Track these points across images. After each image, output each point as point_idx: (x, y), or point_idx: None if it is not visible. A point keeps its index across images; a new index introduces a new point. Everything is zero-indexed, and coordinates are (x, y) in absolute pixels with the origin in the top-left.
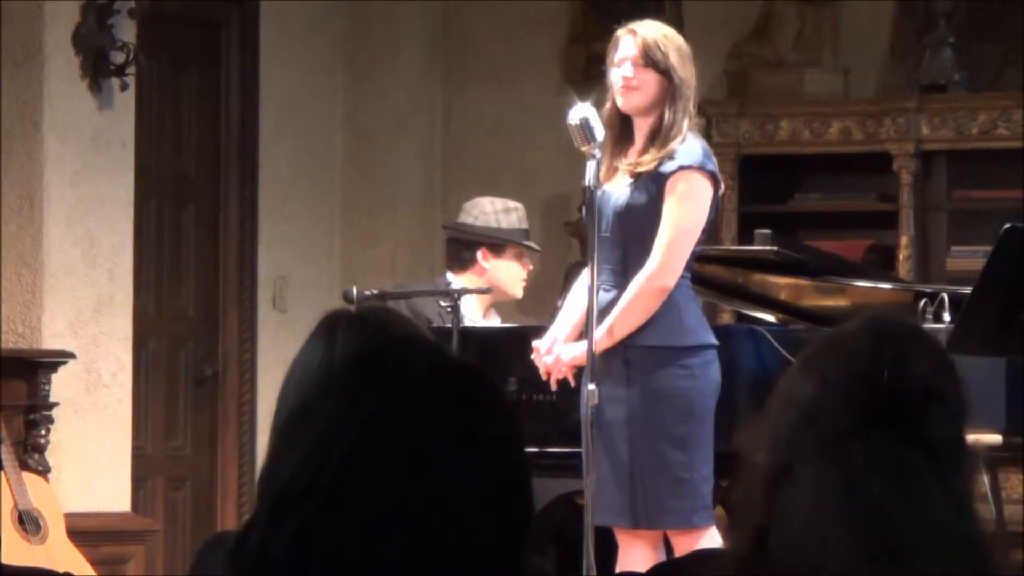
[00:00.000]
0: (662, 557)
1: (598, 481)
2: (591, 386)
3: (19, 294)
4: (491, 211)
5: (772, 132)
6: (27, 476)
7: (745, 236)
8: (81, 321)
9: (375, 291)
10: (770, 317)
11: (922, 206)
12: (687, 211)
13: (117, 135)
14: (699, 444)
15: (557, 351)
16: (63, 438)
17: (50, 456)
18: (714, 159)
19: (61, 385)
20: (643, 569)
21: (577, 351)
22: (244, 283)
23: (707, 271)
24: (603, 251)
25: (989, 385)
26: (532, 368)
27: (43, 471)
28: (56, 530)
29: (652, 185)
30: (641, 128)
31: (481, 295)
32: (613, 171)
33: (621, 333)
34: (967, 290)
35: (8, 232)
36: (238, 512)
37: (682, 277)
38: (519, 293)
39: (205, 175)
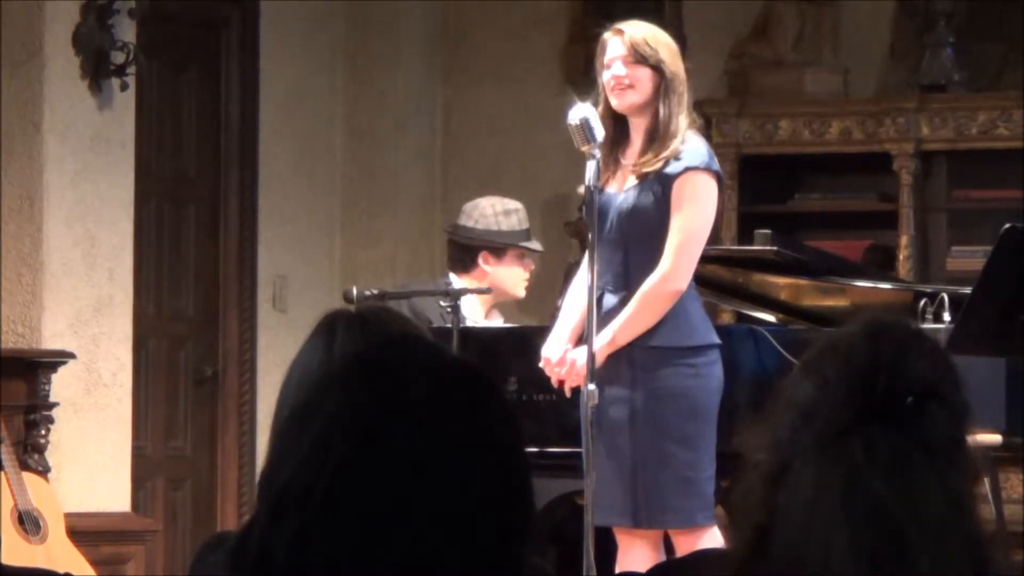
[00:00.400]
0: (662, 557)
1: (599, 481)
2: (591, 386)
3: (19, 294)
4: (491, 214)
5: (772, 132)
6: (27, 476)
7: (745, 236)
8: (81, 321)
9: (375, 291)
10: (770, 317)
11: (922, 206)
12: (696, 213)
13: (117, 135)
14: (704, 443)
15: (571, 359)
16: (63, 438)
17: (50, 456)
18: (716, 158)
19: (61, 385)
20: (643, 569)
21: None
22: (244, 283)
23: (707, 271)
24: (604, 253)
25: (989, 385)
26: (532, 368)
27: (43, 471)
28: (56, 530)
29: (657, 186)
30: (638, 128)
31: (482, 295)
32: (611, 172)
33: (631, 336)
34: (967, 290)
35: (8, 232)
36: (238, 512)
37: None
38: (521, 293)
39: (205, 175)
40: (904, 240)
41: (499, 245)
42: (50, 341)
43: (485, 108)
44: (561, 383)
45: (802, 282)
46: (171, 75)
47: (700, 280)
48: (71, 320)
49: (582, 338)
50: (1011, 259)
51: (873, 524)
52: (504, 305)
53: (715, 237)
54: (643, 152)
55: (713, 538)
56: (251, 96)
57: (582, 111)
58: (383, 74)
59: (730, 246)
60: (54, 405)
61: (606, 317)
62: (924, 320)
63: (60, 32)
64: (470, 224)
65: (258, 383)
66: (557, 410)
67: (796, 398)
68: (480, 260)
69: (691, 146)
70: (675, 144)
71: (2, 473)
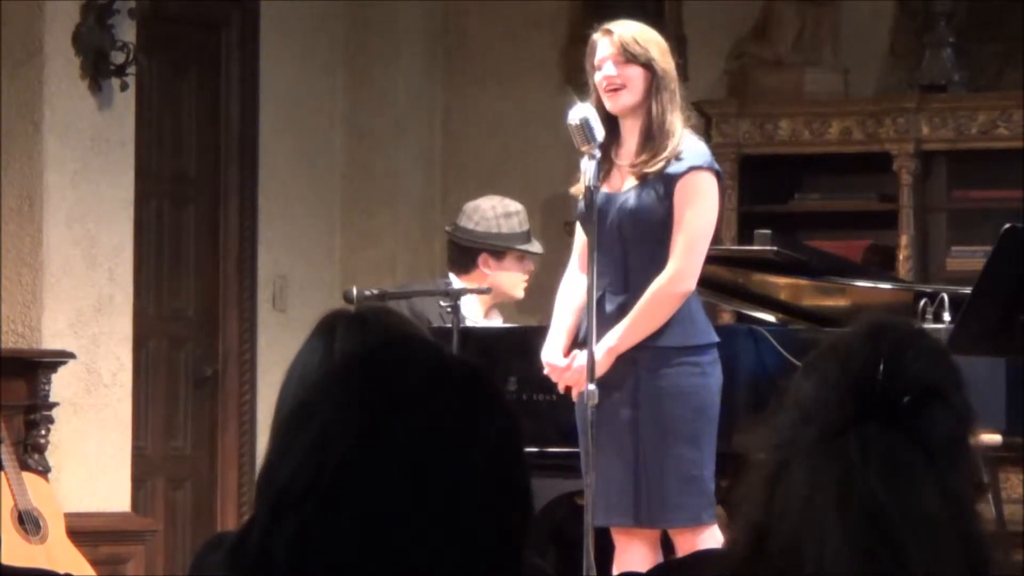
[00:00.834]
0: (660, 556)
1: (600, 482)
2: (591, 386)
3: (19, 294)
4: (492, 216)
5: (772, 132)
6: (27, 476)
7: (745, 236)
8: (81, 321)
9: (375, 291)
10: (770, 317)
11: (922, 206)
12: (702, 213)
13: (117, 135)
14: (707, 441)
15: (578, 364)
16: (63, 438)
17: (50, 456)
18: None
19: (61, 385)
20: (642, 568)
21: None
22: (244, 283)
23: (707, 271)
24: (604, 253)
25: (989, 385)
26: (532, 368)
27: (43, 471)
28: (56, 530)
29: (660, 186)
30: (631, 128)
31: (482, 295)
32: (605, 172)
33: (639, 337)
34: (967, 290)
35: (8, 232)
36: (238, 512)
37: None
38: (520, 295)
39: (205, 175)
40: (904, 240)
41: (499, 248)
42: (50, 341)
43: (485, 108)
44: (568, 388)
45: (802, 282)
46: (171, 75)
47: (700, 280)
48: (71, 320)
49: (577, 339)
50: (1011, 259)
51: (867, 523)
52: (504, 305)
53: (715, 237)
54: (640, 152)
55: (713, 536)
56: (251, 96)
57: (582, 111)
58: (383, 74)
59: (730, 246)
60: (54, 405)
61: (608, 319)
62: (924, 320)
63: (60, 32)
64: (470, 226)
65: (258, 383)
66: (557, 410)
67: (796, 397)
68: (480, 262)
69: (692, 146)
70: (673, 143)
71: (2, 473)
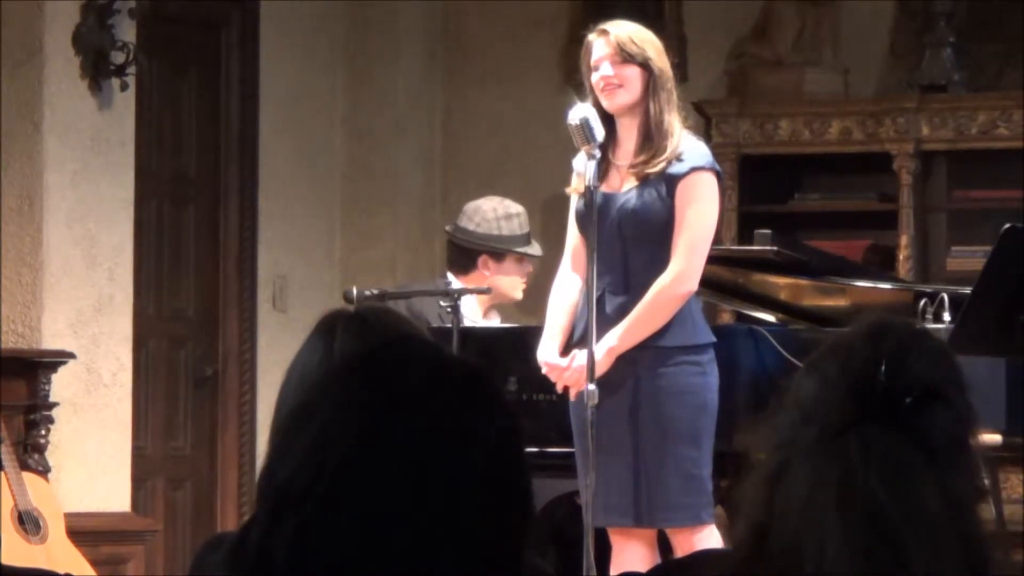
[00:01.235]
0: (658, 556)
1: (600, 482)
2: (591, 386)
3: (19, 294)
4: (492, 217)
5: (772, 132)
6: (27, 476)
7: (745, 236)
8: (81, 321)
9: (375, 291)
10: (770, 317)
11: (922, 206)
12: (704, 213)
13: (117, 135)
14: (707, 440)
15: (578, 364)
16: (63, 438)
17: (50, 456)
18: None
19: (61, 385)
20: (642, 568)
21: (599, 360)
22: (244, 283)
23: (707, 271)
24: (604, 253)
25: (989, 385)
26: (532, 368)
27: (43, 471)
28: (56, 530)
29: (662, 187)
30: (629, 128)
31: (481, 295)
32: (604, 172)
33: (640, 337)
34: (967, 290)
35: (8, 232)
36: (238, 512)
37: None
38: (519, 296)
39: (205, 175)
40: (904, 240)
41: (499, 250)
42: (50, 341)
43: (485, 108)
44: (566, 388)
45: (802, 282)
46: (171, 75)
47: (700, 280)
48: (71, 320)
49: (572, 338)
50: (1011, 259)
51: (867, 523)
52: (503, 305)
53: (715, 237)
54: (639, 152)
55: (711, 536)
56: (251, 96)
57: (582, 111)
58: (383, 74)
59: (730, 246)
60: (54, 405)
61: (608, 319)
62: (924, 320)
63: (60, 32)
64: (471, 227)
65: (258, 383)
66: (557, 410)
67: (797, 397)
68: (479, 264)
69: (693, 146)
70: (672, 143)
71: (2, 473)
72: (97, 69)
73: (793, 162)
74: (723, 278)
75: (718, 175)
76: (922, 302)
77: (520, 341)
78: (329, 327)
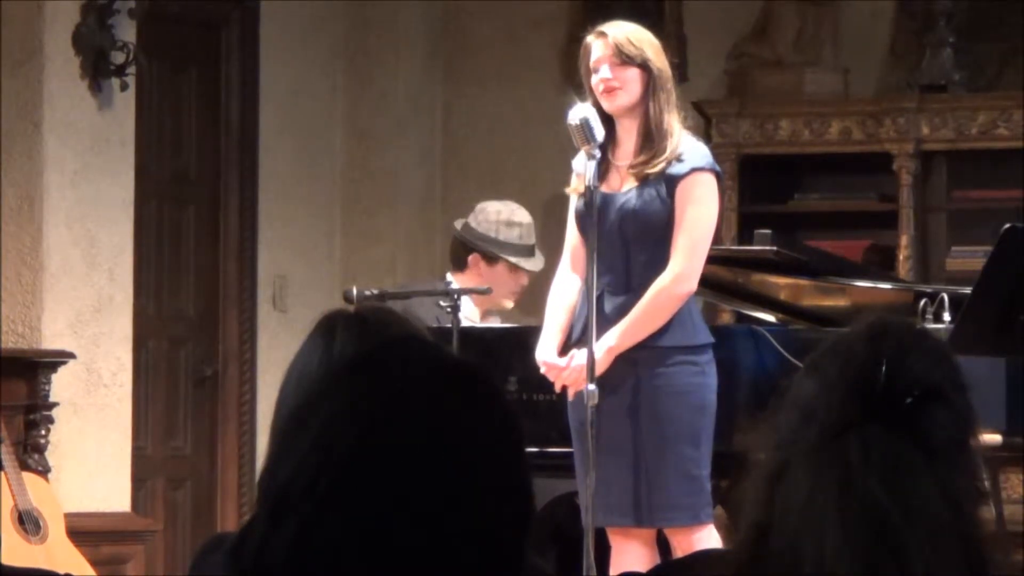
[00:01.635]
0: (657, 556)
1: (600, 482)
2: (591, 386)
3: (19, 294)
4: (494, 220)
5: (772, 132)
6: (27, 476)
7: (745, 236)
8: (81, 321)
9: (375, 291)
10: (770, 317)
11: (922, 206)
12: (704, 214)
13: (117, 135)
14: (706, 440)
15: (577, 364)
16: (63, 438)
17: (50, 456)
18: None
19: (61, 385)
20: (642, 568)
21: (598, 360)
22: (244, 283)
23: (707, 271)
24: (604, 253)
25: (989, 385)
26: (532, 368)
27: (43, 471)
28: (56, 530)
29: (662, 187)
30: (627, 128)
31: (478, 298)
32: (604, 173)
33: (639, 337)
34: (967, 290)
35: (8, 232)
36: (238, 512)
37: None
38: (509, 305)
39: (205, 175)
40: (904, 240)
41: (490, 253)
42: (50, 341)
43: (485, 108)
44: (564, 387)
45: (802, 282)
46: (171, 75)
47: (700, 280)
48: (71, 320)
49: (571, 338)
50: (1011, 259)
51: (867, 524)
52: (500, 311)
53: (715, 237)
54: (639, 152)
55: (710, 536)
56: (251, 96)
57: (582, 111)
58: (383, 74)
59: (730, 246)
60: (54, 405)
61: (607, 318)
62: (924, 320)
63: (60, 32)
64: (472, 224)
65: (258, 383)
66: (557, 410)
67: (798, 397)
68: (471, 262)
69: (693, 147)
70: (672, 143)
71: (2, 473)
72: (97, 69)
73: (793, 162)
74: (723, 278)
75: (718, 176)
76: (922, 302)
77: (520, 341)
78: (329, 327)
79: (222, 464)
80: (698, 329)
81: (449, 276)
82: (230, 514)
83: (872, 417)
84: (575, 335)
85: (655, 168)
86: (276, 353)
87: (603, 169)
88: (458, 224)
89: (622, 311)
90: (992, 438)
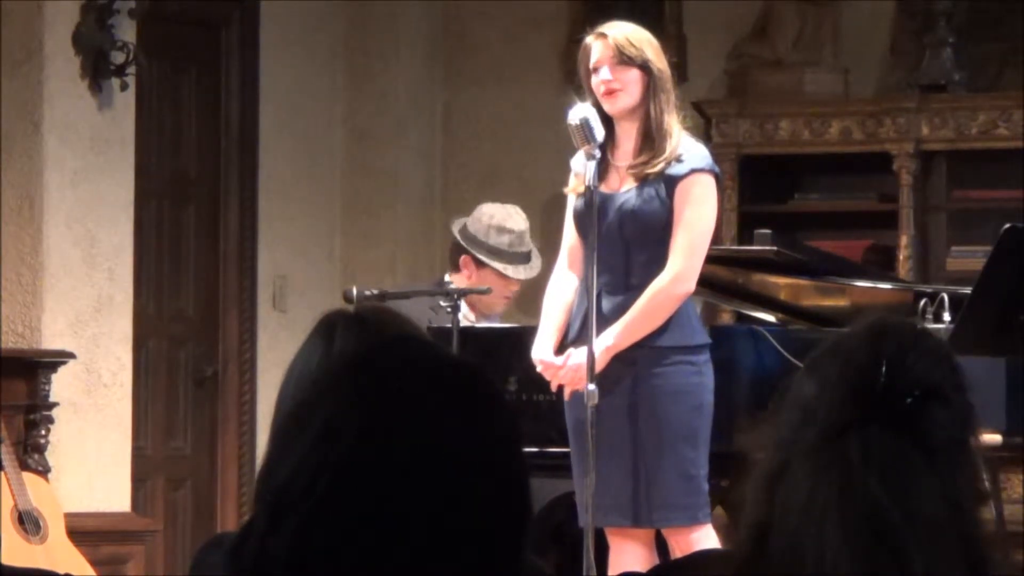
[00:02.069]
0: (655, 556)
1: (599, 482)
2: (591, 386)
3: (19, 294)
4: (486, 223)
5: (772, 132)
6: (27, 476)
7: (745, 236)
8: (81, 321)
9: (375, 291)
10: (770, 317)
11: (922, 206)
12: (703, 214)
13: (117, 135)
14: (704, 440)
15: (573, 363)
16: (63, 438)
17: (50, 456)
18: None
19: (61, 385)
20: (640, 568)
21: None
22: (244, 283)
23: (707, 271)
24: (603, 253)
25: (989, 385)
26: (532, 368)
27: (43, 471)
28: (56, 530)
29: (661, 188)
30: (628, 130)
31: (472, 305)
32: (603, 173)
33: (637, 337)
34: (967, 290)
35: (8, 232)
36: (238, 512)
37: None
38: (498, 310)
39: (205, 175)
40: (904, 240)
41: (476, 257)
42: (50, 341)
43: (485, 108)
44: (560, 386)
45: (802, 282)
46: (171, 75)
47: (700, 280)
48: (71, 320)
49: (567, 337)
50: (1011, 259)
51: (867, 524)
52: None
53: (715, 237)
54: (639, 152)
55: (708, 536)
56: (251, 96)
57: (582, 111)
58: (383, 74)
59: (730, 246)
60: (54, 405)
61: (605, 318)
62: (924, 320)
63: (60, 32)
64: (468, 225)
65: (258, 383)
66: (557, 410)
67: (798, 397)
68: (461, 263)
69: (692, 147)
70: (672, 144)
71: (2, 473)
72: (97, 69)
73: (793, 162)
74: (723, 278)
75: (717, 177)
76: (922, 302)
77: (520, 341)
78: (329, 327)
79: (222, 464)
80: (696, 329)
81: (447, 276)
82: (230, 514)
83: (872, 417)
84: (572, 334)
85: (655, 168)
86: (276, 353)
87: (602, 169)
88: (457, 224)
89: (620, 310)
90: (992, 438)
